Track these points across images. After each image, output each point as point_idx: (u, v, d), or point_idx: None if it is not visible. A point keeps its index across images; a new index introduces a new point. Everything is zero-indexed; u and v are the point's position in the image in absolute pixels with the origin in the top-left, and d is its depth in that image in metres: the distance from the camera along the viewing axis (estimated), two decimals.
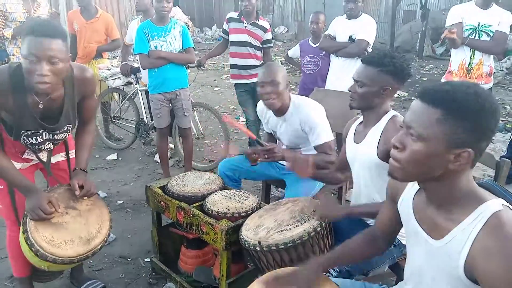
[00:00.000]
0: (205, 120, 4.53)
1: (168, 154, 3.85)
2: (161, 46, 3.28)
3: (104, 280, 2.37)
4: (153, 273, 2.43)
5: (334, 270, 1.63)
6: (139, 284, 2.38)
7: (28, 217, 1.82)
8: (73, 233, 1.86)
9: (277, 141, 2.61)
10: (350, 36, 3.60)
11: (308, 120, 2.33)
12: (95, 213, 1.98)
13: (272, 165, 2.59)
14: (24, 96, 1.74)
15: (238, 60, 3.92)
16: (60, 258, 1.78)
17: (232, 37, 3.92)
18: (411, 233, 1.23)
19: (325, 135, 2.34)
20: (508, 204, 1.03)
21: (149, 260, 2.52)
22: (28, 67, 1.61)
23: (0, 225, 2.42)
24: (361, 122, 1.91)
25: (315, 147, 2.37)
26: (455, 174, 1.06)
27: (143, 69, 3.47)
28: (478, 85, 1.07)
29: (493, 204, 1.02)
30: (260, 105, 2.59)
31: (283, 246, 1.60)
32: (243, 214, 1.98)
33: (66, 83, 1.83)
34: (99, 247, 1.90)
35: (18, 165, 1.95)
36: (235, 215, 1.98)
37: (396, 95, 1.99)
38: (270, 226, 1.73)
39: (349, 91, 1.83)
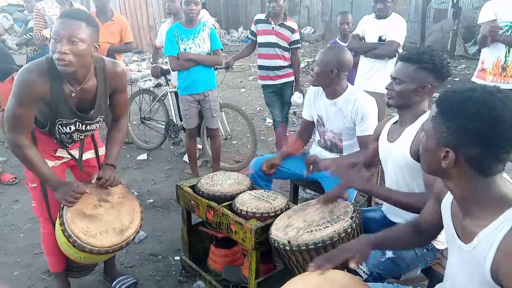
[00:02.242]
0: (233, 121, 4.57)
1: (196, 154, 3.91)
2: (190, 48, 3.34)
3: (136, 277, 2.43)
4: (183, 271, 2.48)
5: (364, 272, 1.62)
6: (169, 281, 2.42)
7: (64, 210, 1.89)
8: (107, 224, 1.93)
9: (318, 128, 2.60)
10: (380, 37, 3.54)
11: (363, 109, 2.34)
12: (127, 205, 2.05)
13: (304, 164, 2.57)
14: (60, 85, 1.82)
15: (266, 61, 3.93)
16: (96, 249, 1.85)
17: (260, 39, 3.93)
18: (449, 237, 1.22)
19: (374, 127, 2.35)
20: None
21: (179, 258, 2.56)
22: (51, 47, 1.70)
23: (37, 221, 2.52)
24: (396, 121, 1.88)
25: (360, 137, 2.38)
26: (457, 175, 1.07)
27: (173, 71, 3.54)
28: (496, 91, 1.02)
29: None
30: (313, 87, 2.63)
31: (312, 246, 1.60)
32: (272, 214, 1.99)
33: (98, 74, 1.90)
34: (132, 237, 1.97)
35: (50, 163, 2.02)
36: (264, 215, 1.99)
37: None
38: (299, 226, 1.73)
39: (386, 88, 1.80)
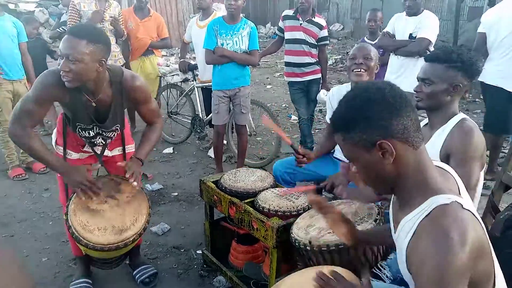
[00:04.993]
0: (257, 118, 4.57)
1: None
2: (227, 45, 3.34)
3: (158, 269, 2.46)
4: (204, 266, 2.50)
5: (387, 277, 1.58)
6: (191, 275, 2.45)
7: (71, 200, 1.94)
8: (107, 221, 1.93)
9: None
10: (411, 34, 3.45)
11: None
12: (133, 206, 2.03)
13: (330, 166, 2.53)
14: (79, 93, 1.89)
15: (293, 58, 3.90)
16: (91, 244, 1.85)
17: (287, 35, 3.91)
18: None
19: None
20: (462, 202, 0.98)
21: (200, 252, 2.59)
22: (59, 61, 1.80)
23: None
24: (425, 124, 1.82)
25: None
26: (398, 167, 1.06)
27: (207, 64, 3.55)
28: (354, 89, 1.11)
29: (444, 197, 0.98)
30: (336, 89, 2.58)
31: (334, 247, 1.58)
32: (294, 213, 1.98)
33: (114, 87, 1.96)
34: (131, 239, 1.93)
35: (76, 155, 2.13)
36: (286, 213, 1.98)
37: None
38: (321, 226, 1.71)
39: (415, 91, 1.75)
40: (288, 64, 3.97)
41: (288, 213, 1.98)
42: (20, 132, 1.90)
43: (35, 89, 1.89)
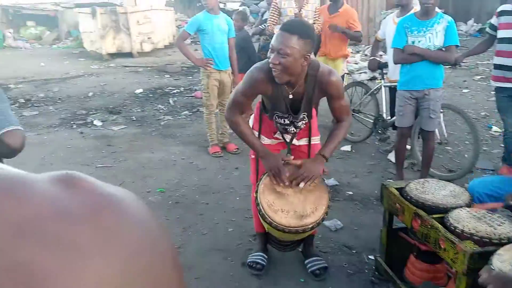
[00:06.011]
0: (450, 125, 4.12)
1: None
2: (418, 42, 3.13)
3: (328, 263, 2.48)
4: (376, 273, 2.41)
5: None
6: (361, 278, 2.40)
7: (261, 180, 2.12)
8: (290, 205, 2.05)
9: None
10: None
11: None
12: (315, 195, 2.10)
13: None
14: (280, 85, 2.04)
15: (506, 60, 3.35)
16: (274, 223, 1.99)
17: (502, 33, 3.38)
18: None
19: None
20: None
21: (373, 258, 2.51)
22: (268, 54, 1.95)
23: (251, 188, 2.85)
24: None
25: None
26: None
27: (395, 63, 3.39)
28: None
29: None
30: None
31: None
32: (495, 241, 1.71)
33: (308, 81, 2.05)
34: (310, 226, 2.00)
35: (268, 141, 2.34)
36: (484, 239, 1.73)
37: None
38: None
39: None
40: (498, 66, 3.44)
41: (487, 240, 1.72)
42: (232, 117, 2.20)
43: (244, 83, 2.13)
